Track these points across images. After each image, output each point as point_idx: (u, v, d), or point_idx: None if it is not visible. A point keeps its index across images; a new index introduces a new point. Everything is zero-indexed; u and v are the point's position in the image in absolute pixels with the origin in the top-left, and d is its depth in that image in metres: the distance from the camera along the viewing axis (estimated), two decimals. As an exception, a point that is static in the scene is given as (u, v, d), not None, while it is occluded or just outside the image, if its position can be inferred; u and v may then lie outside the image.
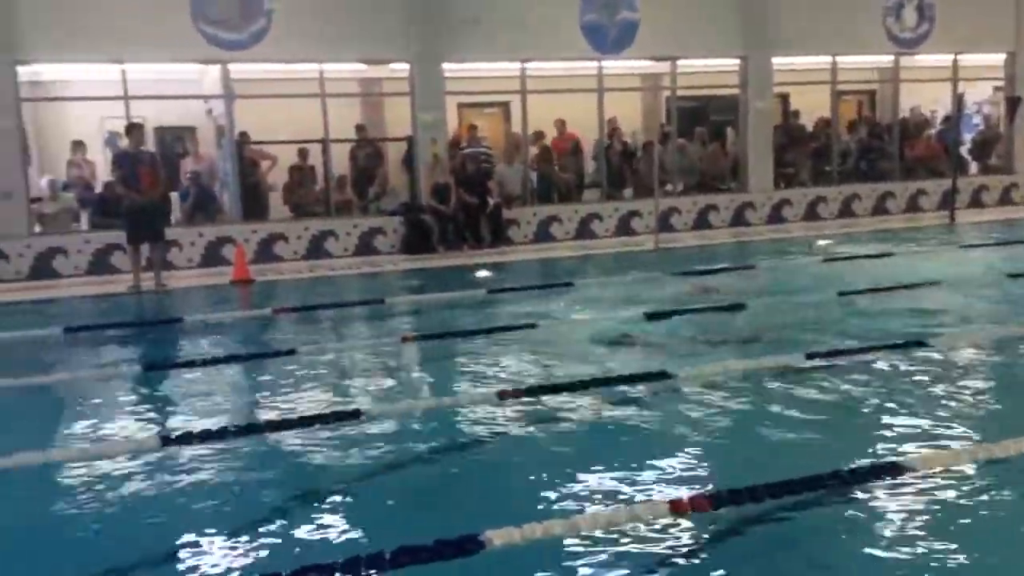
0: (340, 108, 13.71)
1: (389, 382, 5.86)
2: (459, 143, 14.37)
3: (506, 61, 13.83)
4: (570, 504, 3.62)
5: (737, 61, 14.97)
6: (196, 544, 3.35)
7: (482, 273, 10.85)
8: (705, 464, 4.10)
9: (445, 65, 13.41)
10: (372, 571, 2.97)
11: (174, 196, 12.70)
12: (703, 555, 3.21)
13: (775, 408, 4.79)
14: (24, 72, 11.91)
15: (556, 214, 14.15)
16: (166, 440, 4.45)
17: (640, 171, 14.96)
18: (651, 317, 7.25)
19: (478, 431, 4.69)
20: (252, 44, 12.31)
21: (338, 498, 3.85)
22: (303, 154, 13.75)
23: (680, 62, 14.74)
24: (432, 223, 13.18)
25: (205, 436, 4.54)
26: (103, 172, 13.07)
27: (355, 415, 4.81)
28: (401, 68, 13.51)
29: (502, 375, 5.73)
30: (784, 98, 16.44)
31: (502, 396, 5.03)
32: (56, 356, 6.89)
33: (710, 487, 3.68)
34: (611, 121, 14.84)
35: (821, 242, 12.26)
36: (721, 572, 3.07)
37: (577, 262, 11.81)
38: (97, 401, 5.60)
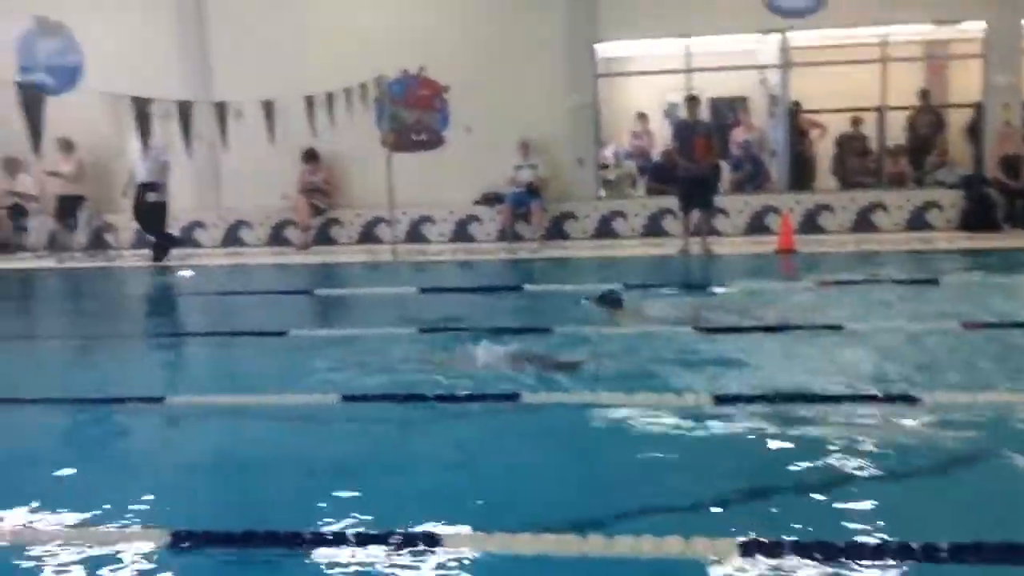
0: (899, 73, 12.94)
1: (947, 370, 5.45)
2: (1040, 109, 12.66)
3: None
4: None
5: None
6: (718, 499, 3.49)
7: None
8: None
9: (1029, 20, 11.89)
10: (923, 559, 2.86)
11: (724, 165, 13.16)
12: None
13: None
14: (598, 49, 13.19)
15: None
16: (719, 399, 4.72)
17: None
18: None
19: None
20: (814, 11, 12.16)
21: (877, 481, 3.71)
22: (856, 123, 13.28)
23: None
24: (998, 198, 11.87)
25: (750, 399, 4.73)
26: (661, 142, 14.03)
27: (909, 400, 4.60)
28: (974, 27, 12.28)
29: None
30: None
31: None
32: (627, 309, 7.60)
33: None
34: None
35: None
36: None
37: None
38: (646, 354, 6.07)
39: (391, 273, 11.10)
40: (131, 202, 12.24)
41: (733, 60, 13.90)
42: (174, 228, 13.29)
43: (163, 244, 12.19)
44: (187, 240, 13.38)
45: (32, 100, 6.75)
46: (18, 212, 13.36)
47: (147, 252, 12.37)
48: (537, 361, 5.60)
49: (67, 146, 12.62)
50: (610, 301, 7.42)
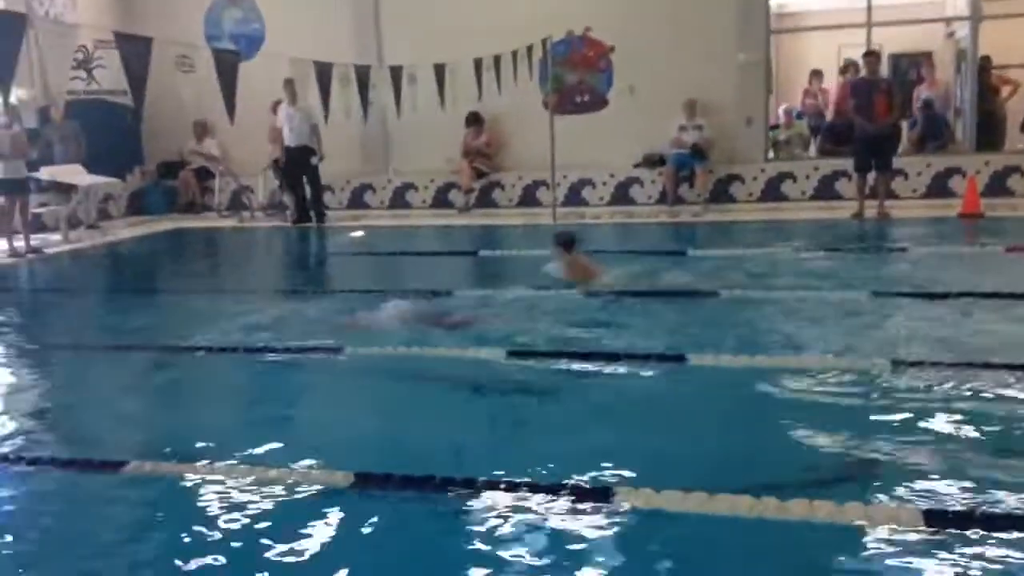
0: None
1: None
2: None
3: None
4: None
5: None
6: (899, 468, 3.37)
7: None
8: None
9: None
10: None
11: (904, 124, 12.45)
12: None
13: None
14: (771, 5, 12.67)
15: None
16: (896, 362, 4.55)
17: None
18: None
19: None
20: (1010, -42, 11.29)
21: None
22: (1053, 78, 12.27)
23: None
24: None
25: (929, 365, 4.56)
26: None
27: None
28: None
29: None
30: None
31: None
32: (799, 274, 7.40)
33: None
34: None
35: None
36: None
37: None
38: (825, 317, 5.87)
39: (551, 236, 11.12)
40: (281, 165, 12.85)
41: (917, 13, 13.05)
42: (346, 192, 13.86)
43: (320, 208, 12.70)
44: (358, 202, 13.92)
45: (227, 66, 7.15)
46: (204, 174, 14.22)
47: (289, 213, 12.89)
48: (430, 319, 5.90)
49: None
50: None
